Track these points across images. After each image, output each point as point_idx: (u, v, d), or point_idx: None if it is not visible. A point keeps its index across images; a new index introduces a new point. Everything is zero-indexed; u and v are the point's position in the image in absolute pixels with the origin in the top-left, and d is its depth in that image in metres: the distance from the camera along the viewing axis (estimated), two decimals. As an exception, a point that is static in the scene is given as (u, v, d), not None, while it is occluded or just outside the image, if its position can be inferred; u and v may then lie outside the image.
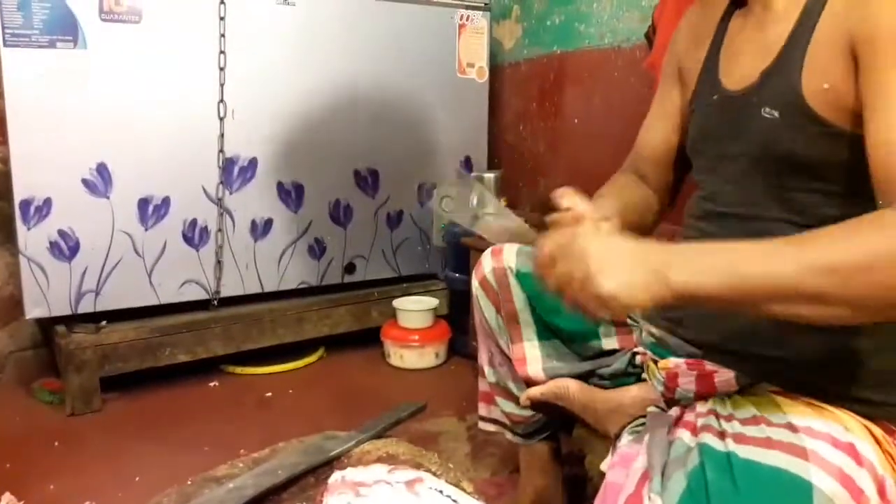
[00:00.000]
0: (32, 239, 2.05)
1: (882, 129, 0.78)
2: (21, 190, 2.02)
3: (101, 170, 2.11)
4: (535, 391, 1.26)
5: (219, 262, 2.33)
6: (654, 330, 0.79)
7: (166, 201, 2.22)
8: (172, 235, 2.24)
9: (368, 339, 2.60)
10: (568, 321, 1.25)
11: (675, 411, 0.94)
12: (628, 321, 1.19)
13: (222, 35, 2.22)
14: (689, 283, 0.73)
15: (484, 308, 1.33)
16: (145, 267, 2.22)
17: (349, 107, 2.49)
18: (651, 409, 1.01)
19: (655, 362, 1.03)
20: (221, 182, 2.29)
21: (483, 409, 1.47)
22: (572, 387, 1.21)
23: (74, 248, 2.10)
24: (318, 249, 2.53)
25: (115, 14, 2.07)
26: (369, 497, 0.83)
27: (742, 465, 0.75)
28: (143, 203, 2.18)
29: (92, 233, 2.12)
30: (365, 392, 2.32)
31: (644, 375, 1.13)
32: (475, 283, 1.34)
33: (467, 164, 2.78)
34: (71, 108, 2.05)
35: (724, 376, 0.93)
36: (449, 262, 2.66)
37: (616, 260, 0.75)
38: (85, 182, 2.09)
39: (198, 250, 2.29)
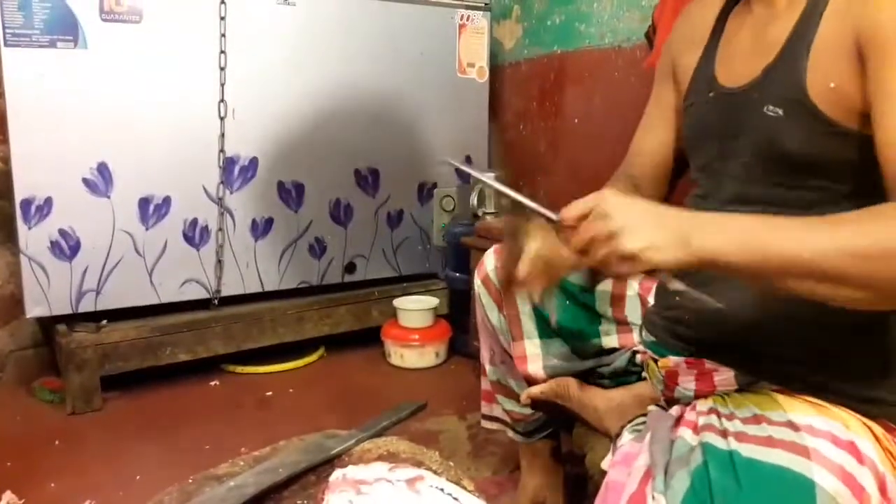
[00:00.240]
0: (33, 238, 2.05)
1: (891, 128, 0.78)
2: (22, 189, 2.02)
3: (102, 169, 2.11)
4: (535, 390, 1.26)
5: (219, 262, 2.33)
6: (679, 286, 0.79)
7: (167, 201, 2.22)
8: (173, 235, 2.25)
9: (369, 338, 2.60)
10: (569, 320, 1.25)
11: (675, 410, 0.95)
12: (630, 321, 1.19)
13: (223, 35, 2.22)
14: (710, 247, 0.74)
15: (486, 306, 1.33)
16: (146, 266, 2.22)
17: (350, 106, 2.49)
18: (651, 407, 1.01)
19: (655, 361, 1.03)
20: (222, 181, 2.29)
21: (485, 408, 1.48)
22: (572, 385, 1.22)
23: (75, 248, 2.10)
24: (318, 249, 2.53)
25: (116, 14, 2.07)
26: (370, 495, 0.83)
27: (745, 464, 0.75)
28: (144, 202, 2.18)
29: (93, 232, 2.12)
30: (365, 391, 2.32)
31: (644, 374, 1.14)
32: (477, 282, 1.34)
33: (467, 163, 2.77)
34: (71, 108, 2.05)
35: (724, 375, 0.93)
36: (449, 262, 2.66)
37: (641, 219, 0.76)
38: (86, 181, 2.09)
39: (198, 250, 2.29)
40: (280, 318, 2.43)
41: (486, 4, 2.73)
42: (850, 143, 0.84)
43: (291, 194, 2.44)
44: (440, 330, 2.56)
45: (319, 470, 1.00)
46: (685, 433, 0.85)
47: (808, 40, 0.87)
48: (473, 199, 2.58)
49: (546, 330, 1.27)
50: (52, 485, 1.72)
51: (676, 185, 1.22)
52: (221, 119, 2.26)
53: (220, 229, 2.32)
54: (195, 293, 2.32)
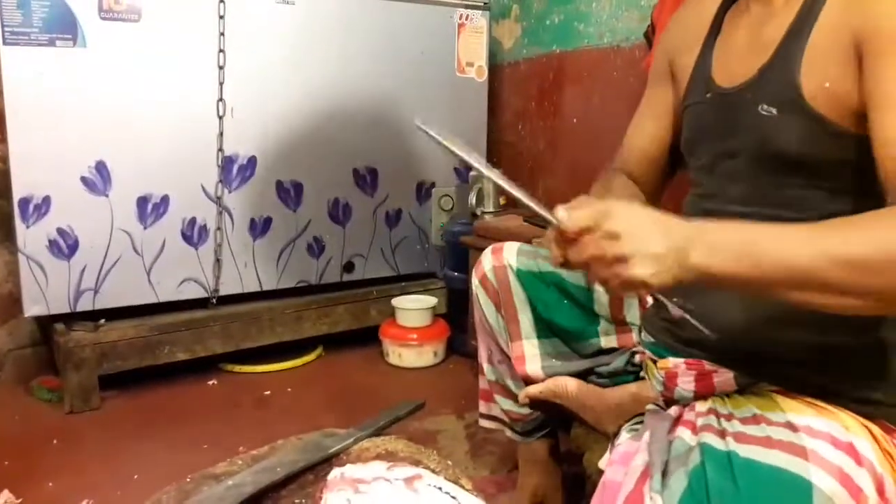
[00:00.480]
0: (31, 237, 2.05)
1: (888, 127, 0.78)
2: (20, 188, 2.02)
3: (101, 168, 2.11)
4: (533, 389, 1.26)
5: (218, 261, 2.33)
6: (678, 312, 0.78)
7: (165, 200, 2.22)
8: (171, 234, 2.24)
9: (367, 337, 2.60)
10: (567, 319, 1.25)
11: (674, 410, 0.95)
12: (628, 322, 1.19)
13: (222, 34, 2.22)
14: (707, 263, 0.73)
15: (483, 306, 1.33)
16: (144, 265, 2.22)
17: (348, 105, 2.49)
18: (650, 407, 1.01)
19: (654, 362, 1.03)
20: (220, 180, 2.29)
21: (483, 407, 1.48)
22: (570, 385, 1.22)
23: (73, 247, 2.10)
24: (316, 248, 2.53)
25: (115, 13, 2.07)
26: (368, 494, 0.83)
27: (742, 465, 0.75)
28: (142, 201, 2.18)
29: (91, 231, 2.12)
30: (363, 391, 2.32)
31: (642, 374, 1.14)
32: (475, 281, 1.34)
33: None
34: (70, 107, 2.05)
35: (723, 376, 0.93)
36: (447, 261, 2.66)
37: (649, 240, 0.73)
38: (84, 180, 2.09)
39: (197, 249, 2.29)
40: (278, 318, 2.43)
41: (485, 4, 2.73)
42: (846, 143, 0.85)
43: (290, 193, 2.44)
44: (438, 329, 2.56)
45: (317, 469, 1.00)
46: (683, 433, 0.85)
47: (804, 40, 0.88)
48: (472, 199, 2.58)
49: (544, 330, 1.27)
50: (50, 484, 1.72)
51: (669, 183, 1.22)
52: (220, 118, 2.26)
53: (219, 228, 2.31)
54: (193, 292, 2.32)
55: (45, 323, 2.29)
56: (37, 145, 2.02)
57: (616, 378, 1.21)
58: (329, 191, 2.52)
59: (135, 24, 2.10)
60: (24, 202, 2.02)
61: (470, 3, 2.70)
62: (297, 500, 0.93)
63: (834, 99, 0.84)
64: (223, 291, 2.36)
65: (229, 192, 2.32)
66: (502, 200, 2.64)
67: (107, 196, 2.13)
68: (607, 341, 1.24)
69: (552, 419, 1.39)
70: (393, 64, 2.55)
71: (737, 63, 0.97)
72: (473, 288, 1.35)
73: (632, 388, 1.14)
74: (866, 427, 0.83)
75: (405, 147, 2.64)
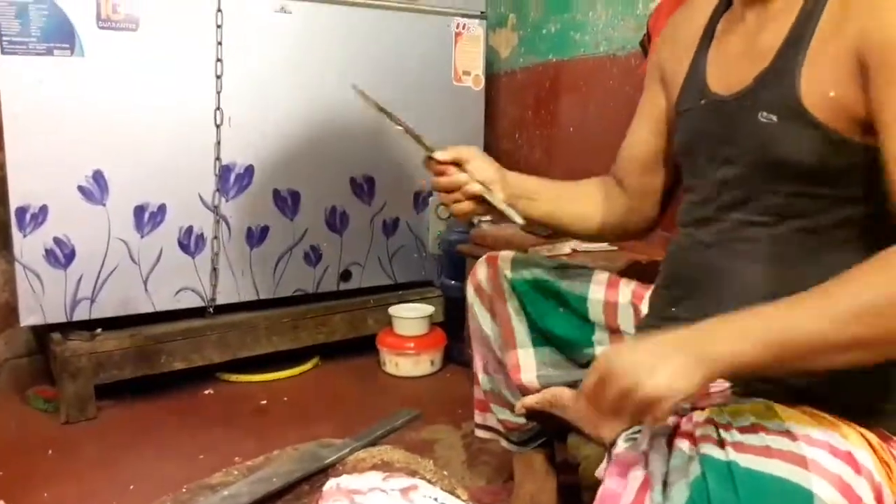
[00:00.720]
0: (28, 246, 2.04)
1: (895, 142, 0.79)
2: (17, 197, 2.02)
3: (98, 177, 2.11)
4: (529, 400, 1.25)
5: (214, 270, 2.33)
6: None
7: (162, 209, 2.22)
8: (168, 243, 2.24)
9: (364, 346, 2.60)
10: (562, 328, 1.25)
11: (671, 420, 0.94)
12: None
13: (219, 43, 2.22)
14: (730, 356, 0.74)
15: (479, 315, 1.33)
16: (141, 274, 2.21)
17: (345, 114, 2.49)
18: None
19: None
20: (217, 189, 2.29)
21: (478, 417, 1.48)
22: (566, 394, 1.21)
23: (70, 256, 2.10)
24: (313, 257, 2.53)
25: (113, 22, 2.07)
26: (364, 505, 0.83)
27: (743, 475, 0.75)
28: (139, 210, 2.18)
29: (88, 240, 2.12)
30: (360, 400, 2.32)
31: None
32: (470, 291, 1.34)
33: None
34: (68, 115, 2.05)
35: (720, 386, 0.93)
36: (445, 270, 2.66)
37: (651, 359, 0.76)
38: (81, 189, 2.09)
39: (193, 258, 2.29)
40: (275, 327, 2.43)
41: (481, 13, 2.74)
42: (849, 151, 0.85)
43: (287, 202, 2.44)
44: (435, 338, 2.55)
45: (313, 479, 0.99)
46: (682, 444, 0.84)
47: (803, 47, 0.88)
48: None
49: (539, 339, 1.27)
50: (46, 494, 1.71)
51: (675, 193, 1.22)
52: (217, 127, 2.26)
53: (216, 237, 2.31)
54: (190, 301, 2.31)
55: (42, 332, 2.28)
56: (34, 154, 2.02)
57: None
58: (326, 199, 2.52)
59: (132, 34, 2.10)
60: (21, 211, 2.02)
61: (467, 12, 2.70)
62: (292, 511, 0.93)
63: (839, 108, 0.84)
64: (220, 300, 2.36)
65: (226, 200, 2.32)
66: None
67: (104, 205, 2.13)
68: (602, 350, 1.23)
69: (548, 429, 1.38)
70: (390, 72, 2.56)
71: (733, 70, 0.97)
72: (468, 297, 1.35)
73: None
74: (864, 436, 0.83)
75: (402, 156, 2.64)
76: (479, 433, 1.49)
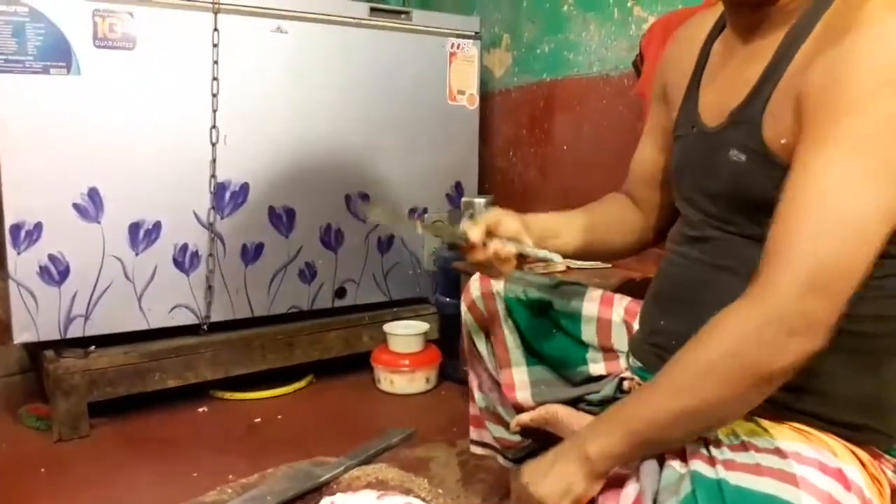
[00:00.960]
0: (22, 263, 2.04)
1: (780, 204, 0.80)
2: (12, 214, 2.02)
3: (93, 194, 2.11)
4: (524, 417, 1.26)
5: (209, 287, 2.33)
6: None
7: (157, 226, 2.22)
8: (163, 260, 2.24)
9: (359, 364, 2.60)
10: (555, 347, 1.26)
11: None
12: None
13: (215, 62, 2.24)
14: (600, 452, 0.84)
15: (472, 333, 1.33)
16: (135, 291, 2.21)
17: (341, 132, 2.51)
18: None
19: (643, 387, 1.04)
20: (213, 207, 2.30)
21: (474, 434, 1.47)
22: (561, 412, 1.22)
23: (64, 273, 2.10)
24: (308, 274, 2.53)
25: (109, 41, 2.08)
26: (358, 523, 0.83)
27: (733, 492, 0.75)
28: (134, 227, 2.19)
29: (82, 257, 2.12)
30: (355, 417, 2.31)
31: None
32: (464, 308, 1.34)
33: (458, 189, 2.79)
34: (63, 133, 2.05)
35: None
36: (440, 287, 2.67)
37: (548, 467, 0.88)
38: (76, 206, 2.10)
39: (188, 275, 2.29)
40: (269, 344, 2.43)
41: (476, 33, 2.77)
42: None
43: (282, 219, 2.44)
44: (430, 355, 2.55)
45: (308, 497, 0.99)
46: (673, 462, 0.85)
47: (770, 89, 0.88)
48: (463, 224, 2.58)
49: (533, 357, 1.27)
50: (38, 513, 1.70)
51: None
52: (213, 145, 2.27)
53: (211, 255, 2.32)
54: (184, 319, 2.31)
55: (35, 350, 2.28)
56: (29, 172, 2.02)
57: (606, 406, 1.21)
58: (321, 216, 2.53)
59: (129, 52, 2.11)
60: (16, 228, 2.02)
61: (461, 32, 2.73)
62: (287, 529, 0.92)
63: (792, 153, 0.83)
64: (214, 318, 2.36)
65: (221, 218, 2.32)
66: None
67: (99, 222, 2.13)
68: (595, 368, 1.24)
69: (544, 446, 1.38)
70: (385, 92, 2.58)
71: (720, 100, 0.97)
72: (462, 315, 1.35)
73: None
74: (854, 453, 0.84)
75: (397, 173, 2.65)
76: (475, 449, 1.48)
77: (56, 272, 2.09)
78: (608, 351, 1.23)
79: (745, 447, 0.83)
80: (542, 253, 1.09)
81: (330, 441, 2.07)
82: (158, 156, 2.19)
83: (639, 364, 1.08)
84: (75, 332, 2.14)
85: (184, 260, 2.27)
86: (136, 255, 2.20)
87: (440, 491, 1.02)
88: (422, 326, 2.61)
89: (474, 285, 1.33)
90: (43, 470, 1.92)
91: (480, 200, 2.64)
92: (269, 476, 1.09)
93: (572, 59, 2.53)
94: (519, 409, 1.27)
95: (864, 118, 0.76)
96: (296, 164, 2.44)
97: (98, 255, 2.14)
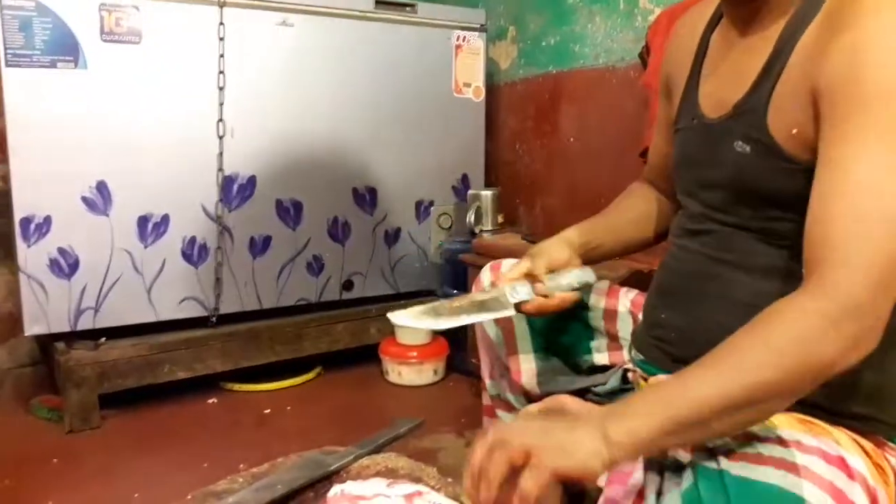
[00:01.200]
0: (32, 256, 2.06)
1: (815, 201, 0.79)
2: (21, 208, 2.03)
3: (101, 188, 2.13)
4: (532, 408, 1.26)
5: (218, 280, 2.34)
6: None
7: (165, 219, 2.23)
8: (171, 253, 2.26)
9: (366, 355, 2.61)
10: (563, 334, 1.26)
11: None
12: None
13: (221, 55, 2.24)
14: (624, 432, 0.74)
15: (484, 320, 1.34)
16: (144, 284, 2.23)
17: (347, 125, 2.52)
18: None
19: (645, 379, 1.04)
20: (220, 200, 2.31)
21: (486, 423, 1.48)
22: (569, 402, 1.22)
23: (74, 266, 2.12)
24: (316, 266, 2.54)
25: (116, 35, 2.09)
26: (368, 512, 0.84)
27: (735, 482, 0.75)
28: (143, 221, 2.20)
29: (91, 250, 2.14)
30: (363, 409, 2.32)
31: (638, 392, 1.14)
32: (474, 296, 1.35)
33: (464, 181, 2.80)
34: (71, 127, 2.07)
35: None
36: (446, 279, 2.67)
37: (559, 434, 0.76)
38: (85, 200, 2.11)
39: (197, 268, 2.31)
40: (278, 336, 2.44)
41: (481, 26, 2.77)
42: None
43: (290, 212, 2.45)
44: (438, 347, 2.56)
45: (318, 486, 1.00)
46: (678, 453, 0.85)
47: (773, 82, 0.88)
48: (470, 217, 2.59)
49: (540, 346, 1.28)
50: (50, 502, 1.72)
51: None
52: (220, 138, 2.28)
53: (219, 247, 2.33)
54: (193, 311, 2.33)
55: (46, 342, 2.30)
56: (38, 165, 2.04)
57: (612, 397, 1.22)
58: (328, 209, 2.54)
59: (135, 46, 2.12)
60: (26, 222, 2.04)
61: (467, 24, 2.73)
62: (297, 517, 0.94)
63: (804, 142, 0.84)
64: (223, 310, 2.37)
65: (229, 211, 2.34)
66: (500, 219, 2.66)
67: (107, 215, 2.14)
68: (600, 358, 1.24)
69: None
70: (391, 84, 2.58)
71: (720, 92, 0.97)
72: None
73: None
74: (857, 442, 0.84)
75: (404, 166, 2.66)
76: (487, 439, 1.49)
77: (66, 265, 2.10)
78: (613, 339, 1.24)
79: (746, 437, 0.83)
80: (587, 276, 1.15)
81: (339, 432, 2.08)
82: (165, 149, 2.21)
83: (640, 356, 1.08)
84: (85, 324, 2.15)
85: (192, 253, 2.29)
86: (145, 247, 2.21)
87: (449, 480, 1.03)
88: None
89: (485, 274, 1.34)
90: (55, 460, 1.94)
91: (487, 193, 2.65)
92: (279, 465, 1.10)
93: (578, 51, 2.53)
94: (528, 396, 1.28)
95: (890, 108, 0.76)
96: (302, 158, 2.45)
97: (107, 247, 2.16)
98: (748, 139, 0.90)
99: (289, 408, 2.30)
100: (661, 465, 0.84)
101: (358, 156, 2.55)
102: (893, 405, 0.88)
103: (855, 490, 0.76)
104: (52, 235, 2.08)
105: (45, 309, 2.10)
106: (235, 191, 2.34)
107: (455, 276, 2.57)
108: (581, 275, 1.16)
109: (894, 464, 0.87)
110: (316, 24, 2.41)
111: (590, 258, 1.22)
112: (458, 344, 2.56)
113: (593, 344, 1.25)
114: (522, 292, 1.12)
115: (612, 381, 1.19)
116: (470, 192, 2.69)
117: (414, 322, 1.08)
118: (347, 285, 2.62)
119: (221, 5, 2.22)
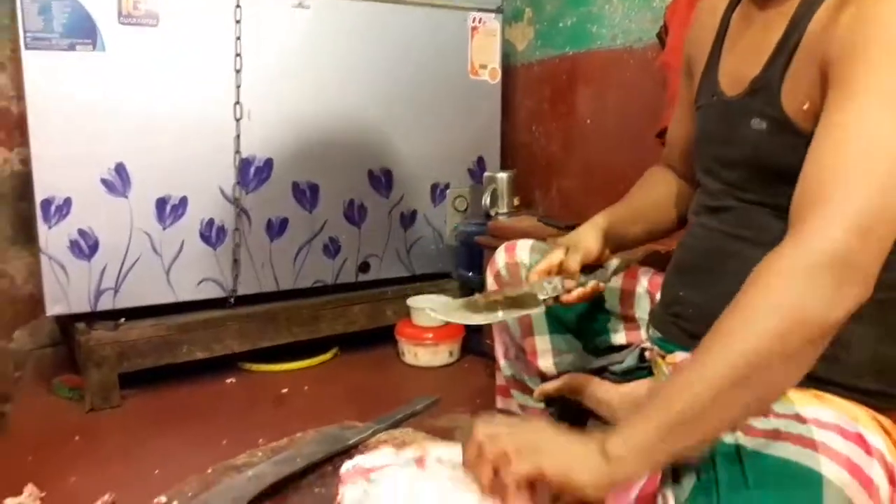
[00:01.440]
0: (53, 237, 2.08)
1: (808, 161, 0.79)
2: (42, 190, 2.06)
3: (120, 170, 2.14)
4: (548, 386, 1.27)
5: (235, 261, 2.36)
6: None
7: (184, 201, 2.25)
8: (190, 234, 2.28)
9: (382, 337, 2.63)
10: (578, 315, 1.27)
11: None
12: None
13: (238, 38, 2.25)
14: (622, 442, 0.73)
15: (498, 300, 1.34)
16: (163, 265, 2.25)
17: (363, 108, 2.52)
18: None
19: (663, 357, 1.04)
20: (238, 182, 2.32)
21: (500, 402, 1.49)
22: (585, 381, 1.23)
23: (94, 247, 2.14)
24: (332, 248, 2.55)
25: (133, 17, 2.10)
26: (381, 482, 0.84)
27: (751, 457, 0.75)
28: (161, 202, 2.22)
29: (111, 231, 2.16)
30: (379, 389, 2.34)
31: (655, 372, 1.15)
32: (489, 278, 1.35)
33: (480, 164, 2.80)
34: (90, 110, 2.08)
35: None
36: (462, 261, 2.68)
37: (563, 442, 0.76)
38: (104, 182, 2.13)
39: (215, 249, 2.32)
40: (295, 317, 2.46)
41: (498, 7, 2.75)
42: None
43: (306, 195, 2.47)
44: (453, 329, 2.57)
45: (336, 460, 1.01)
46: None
47: (787, 58, 0.88)
48: (486, 199, 2.59)
49: (556, 326, 1.28)
50: (73, 478, 1.75)
51: None
52: (237, 120, 2.29)
53: (237, 229, 2.34)
54: (212, 292, 2.35)
55: (66, 322, 2.33)
56: (58, 148, 2.06)
57: (629, 376, 1.22)
58: (345, 192, 2.54)
59: (153, 29, 2.13)
60: (46, 203, 2.06)
61: (483, 6, 2.72)
62: (316, 489, 0.95)
63: (815, 117, 0.83)
64: (241, 291, 2.39)
65: (246, 193, 2.35)
66: (516, 201, 2.65)
67: (126, 197, 2.16)
68: (617, 338, 1.25)
69: (567, 415, 1.40)
70: (407, 66, 2.58)
71: (738, 69, 0.97)
72: (488, 285, 1.36)
73: (646, 381, 1.15)
74: (875, 419, 0.84)
75: (419, 148, 2.66)
76: (501, 418, 1.50)
77: (86, 246, 2.13)
78: (630, 320, 1.24)
79: (764, 413, 0.83)
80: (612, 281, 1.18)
81: (356, 411, 2.08)
82: (183, 132, 2.22)
83: (658, 335, 1.08)
84: (105, 304, 2.18)
85: (210, 234, 2.31)
86: (164, 229, 2.23)
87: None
88: (444, 300, 2.62)
89: (500, 255, 1.34)
90: (77, 438, 1.97)
91: (503, 175, 2.64)
92: (297, 440, 1.11)
93: (595, 32, 2.51)
94: (543, 377, 1.28)
95: (893, 68, 0.76)
96: (319, 140, 2.45)
97: (126, 229, 2.18)
98: (763, 116, 0.90)
99: (306, 388, 2.32)
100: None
101: (374, 138, 2.56)
102: (910, 381, 0.87)
103: (873, 466, 0.76)
104: (72, 217, 2.10)
105: (66, 290, 2.12)
106: (252, 173, 2.35)
107: (471, 258, 2.58)
108: (609, 273, 1.19)
109: (912, 440, 0.87)
110: (332, 5, 2.41)
111: (619, 246, 1.22)
112: (473, 326, 2.56)
113: (610, 325, 1.26)
114: (553, 288, 1.14)
115: (629, 359, 1.19)
116: (486, 174, 2.69)
117: (450, 317, 1.12)
118: (364, 267, 2.63)
119: (238, -13, 2.23)
